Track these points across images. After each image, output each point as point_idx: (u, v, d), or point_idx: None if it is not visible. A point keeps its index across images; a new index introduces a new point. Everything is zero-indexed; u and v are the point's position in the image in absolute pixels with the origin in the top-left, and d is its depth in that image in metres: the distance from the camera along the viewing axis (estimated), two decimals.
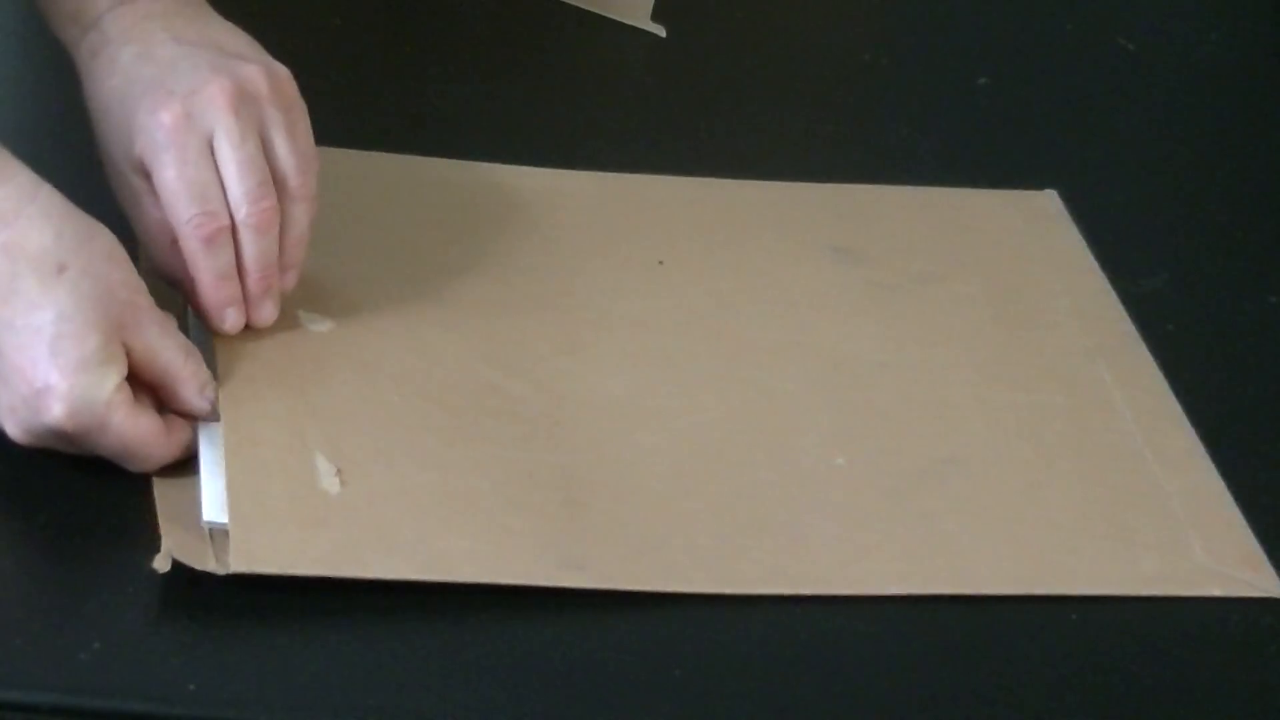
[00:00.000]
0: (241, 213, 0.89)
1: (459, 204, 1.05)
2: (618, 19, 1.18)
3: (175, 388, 0.88)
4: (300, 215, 0.91)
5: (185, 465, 0.88)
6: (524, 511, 0.88)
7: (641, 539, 0.89)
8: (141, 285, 0.87)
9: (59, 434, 0.85)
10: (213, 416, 0.89)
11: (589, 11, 1.18)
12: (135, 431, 0.86)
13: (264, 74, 0.91)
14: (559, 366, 0.96)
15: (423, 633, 0.84)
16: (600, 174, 1.08)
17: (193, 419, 0.89)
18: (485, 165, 1.07)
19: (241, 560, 0.83)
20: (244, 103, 0.89)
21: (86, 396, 0.84)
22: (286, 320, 0.94)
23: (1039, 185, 1.11)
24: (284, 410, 0.90)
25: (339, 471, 0.88)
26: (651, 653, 0.85)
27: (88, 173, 0.93)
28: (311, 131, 0.92)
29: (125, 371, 0.86)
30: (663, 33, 1.18)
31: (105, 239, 0.87)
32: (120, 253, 0.87)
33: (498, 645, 0.84)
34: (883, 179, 1.10)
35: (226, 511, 0.85)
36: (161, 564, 0.83)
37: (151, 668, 0.81)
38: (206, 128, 0.89)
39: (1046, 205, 1.10)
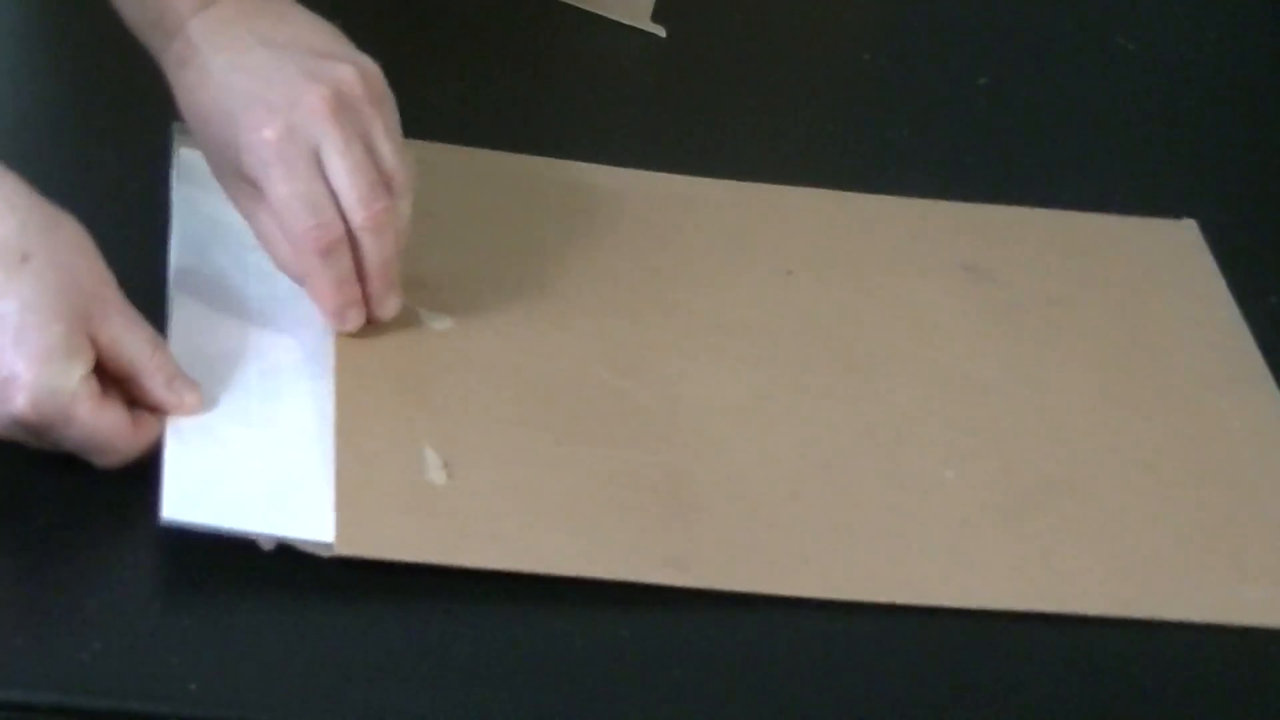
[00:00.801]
0: (358, 218, 0.90)
1: (587, 206, 1.05)
2: (618, 19, 1.18)
3: (141, 381, 0.88)
4: (405, 207, 0.92)
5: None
6: (630, 511, 0.89)
7: (747, 541, 0.89)
8: (108, 276, 0.87)
9: (23, 424, 0.84)
10: (182, 411, 0.88)
11: (589, 11, 1.18)
12: (100, 424, 0.85)
13: (356, 74, 0.91)
14: (678, 369, 0.97)
15: (423, 633, 0.84)
16: (729, 182, 1.08)
17: (161, 413, 0.88)
18: (613, 169, 1.07)
19: (346, 544, 0.85)
20: (343, 109, 0.90)
21: (51, 387, 0.84)
22: (407, 318, 0.94)
23: (1040, 182, 1.11)
24: (396, 405, 0.91)
25: (446, 464, 0.89)
26: (651, 653, 0.85)
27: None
28: (400, 122, 0.93)
29: (91, 363, 0.85)
30: (663, 33, 1.18)
31: (71, 229, 0.86)
32: (86, 242, 0.86)
33: (498, 645, 0.84)
34: (883, 179, 1.10)
35: (191, 510, 0.85)
36: (267, 541, 0.84)
37: (151, 668, 0.81)
38: (312, 140, 0.89)
39: (1183, 235, 1.10)
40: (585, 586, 0.87)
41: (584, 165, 1.07)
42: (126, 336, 0.87)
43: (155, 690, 0.81)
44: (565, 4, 1.18)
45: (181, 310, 0.93)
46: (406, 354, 0.93)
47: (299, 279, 0.91)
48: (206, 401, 0.89)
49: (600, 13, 1.18)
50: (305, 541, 0.85)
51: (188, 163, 0.99)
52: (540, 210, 1.04)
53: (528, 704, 0.83)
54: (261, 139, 0.89)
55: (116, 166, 0.97)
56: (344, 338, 0.93)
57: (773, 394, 0.96)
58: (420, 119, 1.06)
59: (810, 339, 1.00)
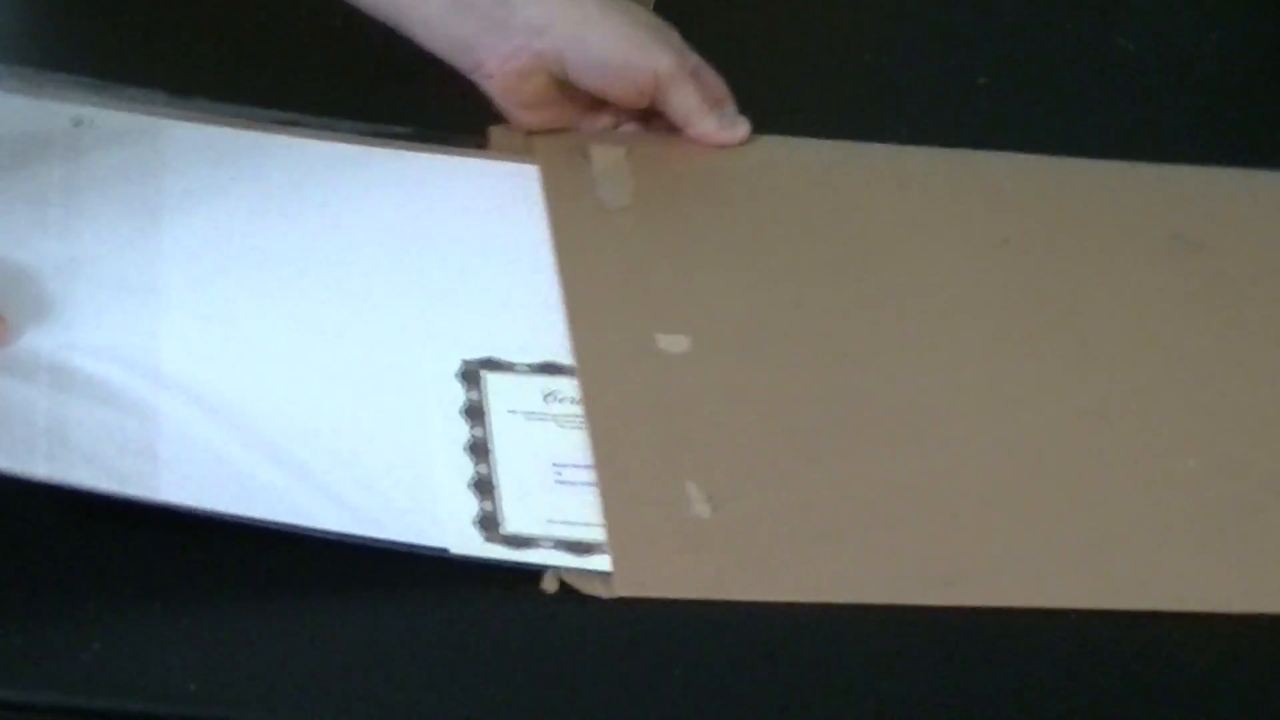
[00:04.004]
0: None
1: (795, 185, 1.04)
2: None
3: None
4: None
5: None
6: (892, 528, 0.88)
7: (1008, 550, 0.88)
8: None
9: None
10: None
11: None
12: None
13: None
14: (916, 359, 0.96)
15: (423, 633, 0.84)
16: (935, 150, 1.06)
17: None
18: (816, 142, 1.06)
19: (626, 585, 0.85)
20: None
21: None
22: (643, 344, 0.95)
23: None
24: (652, 439, 0.91)
25: (709, 497, 0.88)
26: (656, 653, 0.85)
27: None
28: None
29: None
30: None
31: None
32: None
33: (499, 645, 0.84)
34: None
35: None
36: (549, 585, 0.86)
37: (151, 668, 0.81)
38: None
39: None
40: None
41: (781, 139, 1.06)
42: None
43: (155, 690, 0.81)
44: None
45: None
46: (649, 383, 0.93)
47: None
48: None
49: None
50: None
51: None
52: (748, 193, 1.03)
53: (529, 703, 0.83)
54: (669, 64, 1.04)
55: None
56: (587, 375, 0.93)
57: (1011, 380, 0.95)
58: (417, 119, 1.07)
59: (1034, 316, 0.98)
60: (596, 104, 1.07)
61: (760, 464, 0.91)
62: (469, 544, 0.86)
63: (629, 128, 1.08)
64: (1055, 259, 1.01)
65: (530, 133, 1.06)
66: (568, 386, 0.93)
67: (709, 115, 1.07)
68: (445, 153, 1.05)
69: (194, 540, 0.86)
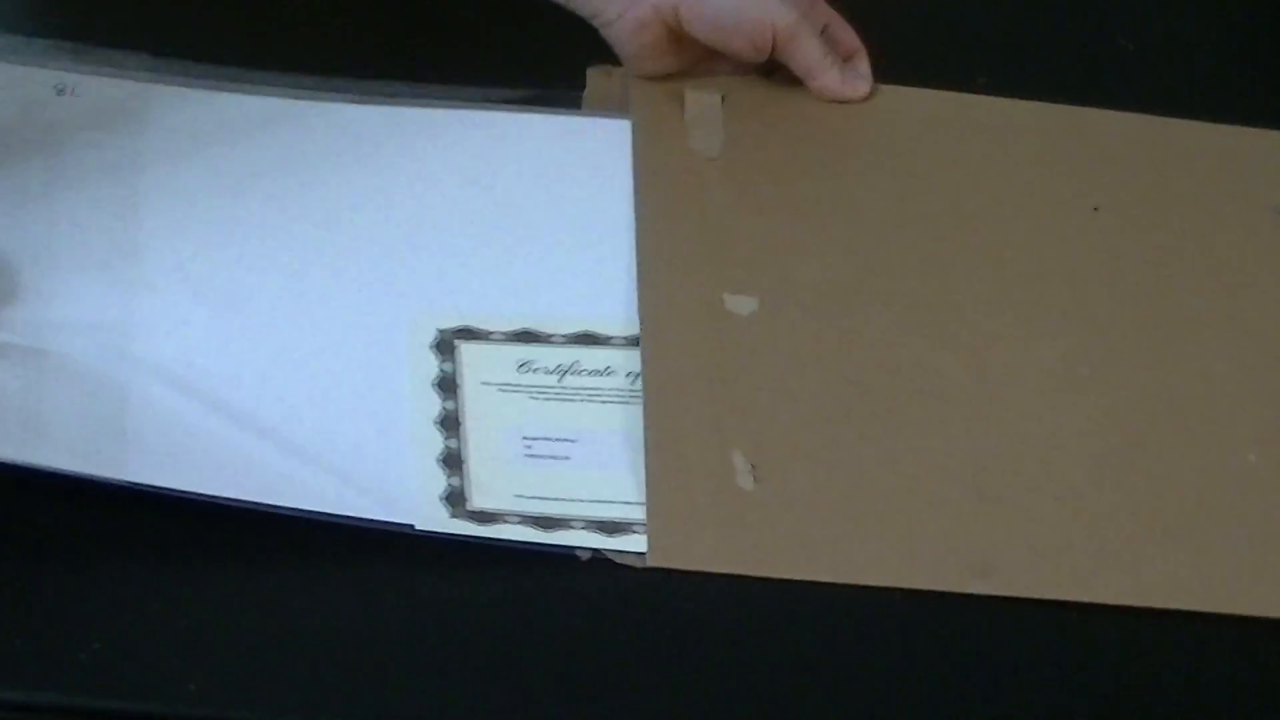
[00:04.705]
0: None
1: (890, 138, 1.03)
2: None
3: None
4: None
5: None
6: (936, 510, 0.88)
7: (1050, 539, 0.87)
8: None
9: None
10: None
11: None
12: None
13: None
14: (987, 331, 0.94)
15: (423, 632, 0.84)
16: (1036, 104, 1.05)
17: None
18: (925, 92, 1.05)
19: (658, 556, 0.86)
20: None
21: None
22: (710, 304, 0.94)
23: None
24: (705, 404, 0.90)
25: (754, 468, 0.88)
26: (659, 652, 0.85)
27: None
28: None
29: None
30: None
31: None
32: None
33: (498, 645, 0.84)
34: None
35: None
36: (584, 551, 0.86)
37: (151, 668, 0.81)
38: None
39: None
40: (591, 584, 0.87)
41: (888, 89, 1.05)
42: None
43: (155, 690, 0.81)
44: (563, 5, 1.18)
45: None
46: (711, 346, 0.92)
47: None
48: None
49: None
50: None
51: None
52: (841, 146, 1.02)
53: (529, 703, 0.83)
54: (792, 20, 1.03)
55: None
56: (649, 331, 0.92)
57: (1081, 358, 0.93)
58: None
59: (1118, 291, 0.96)
60: (715, 54, 1.07)
61: (809, 436, 0.90)
62: (435, 520, 0.87)
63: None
64: (1144, 232, 0.99)
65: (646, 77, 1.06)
66: (543, 355, 0.93)
67: (831, 69, 1.06)
68: (458, 107, 1.04)
69: (195, 540, 0.86)
